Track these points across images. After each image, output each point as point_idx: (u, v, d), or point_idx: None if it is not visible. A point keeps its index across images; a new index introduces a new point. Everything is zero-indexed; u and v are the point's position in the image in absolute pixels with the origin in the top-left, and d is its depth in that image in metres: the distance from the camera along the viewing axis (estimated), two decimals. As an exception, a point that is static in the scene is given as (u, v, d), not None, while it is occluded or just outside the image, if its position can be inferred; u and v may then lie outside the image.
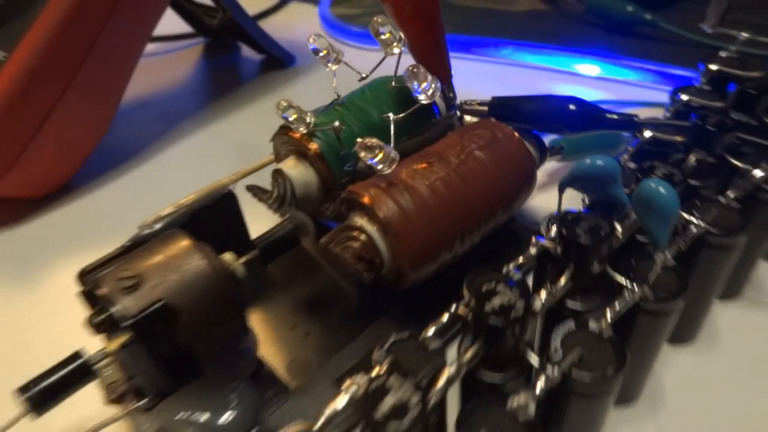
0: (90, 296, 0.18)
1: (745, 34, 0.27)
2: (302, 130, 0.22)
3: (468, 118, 0.25)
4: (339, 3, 0.47)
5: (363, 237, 0.20)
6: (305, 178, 0.23)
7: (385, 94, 0.24)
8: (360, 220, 0.20)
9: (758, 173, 0.20)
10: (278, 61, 0.42)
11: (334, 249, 0.20)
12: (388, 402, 0.14)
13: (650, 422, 0.20)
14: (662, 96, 0.33)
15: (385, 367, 0.14)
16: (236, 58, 0.44)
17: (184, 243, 0.18)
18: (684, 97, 0.24)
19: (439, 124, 0.24)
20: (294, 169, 0.23)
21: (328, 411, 0.14)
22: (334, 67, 0.23)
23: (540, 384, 0.14)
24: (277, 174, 0.23)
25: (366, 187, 0.20)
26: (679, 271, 0.17)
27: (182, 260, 0.18)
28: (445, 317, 0.16)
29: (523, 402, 0.14)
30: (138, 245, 0.21)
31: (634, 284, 0.17)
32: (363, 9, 0.46)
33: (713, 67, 0.25)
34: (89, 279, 0.18)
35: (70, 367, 0.17)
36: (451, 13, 0.45)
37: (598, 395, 0.16)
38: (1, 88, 0.27)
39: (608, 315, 0.16)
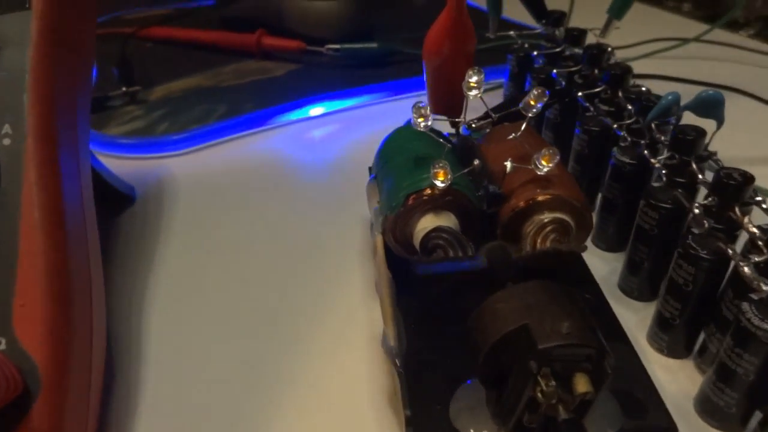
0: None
1: (512, 33, 0.42)
2: (443, 185, 0.25)
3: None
4: (108, 124, 0.41)
5: (549, 227, 0.25)
6: (452, 221, 0.25)
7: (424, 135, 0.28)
8: (537, 218, 0.25)
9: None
10: (120, 199, 0.35)
11: (542, 246, 0.25)
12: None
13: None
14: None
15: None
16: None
17: (532, 284, 0.20)
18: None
19: (469, 145, 0.30)
20: (440, 220, 0.25)
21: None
22: (429, 123, 0.26)
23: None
24: (436, 231, 0.25)
25: (520, 199, 0.25)
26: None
27: (547, 296, 0.20)
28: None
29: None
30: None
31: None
32: (148, 122, 0.42)
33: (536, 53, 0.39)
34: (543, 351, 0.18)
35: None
36: (225, 94, 0.46)
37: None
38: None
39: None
